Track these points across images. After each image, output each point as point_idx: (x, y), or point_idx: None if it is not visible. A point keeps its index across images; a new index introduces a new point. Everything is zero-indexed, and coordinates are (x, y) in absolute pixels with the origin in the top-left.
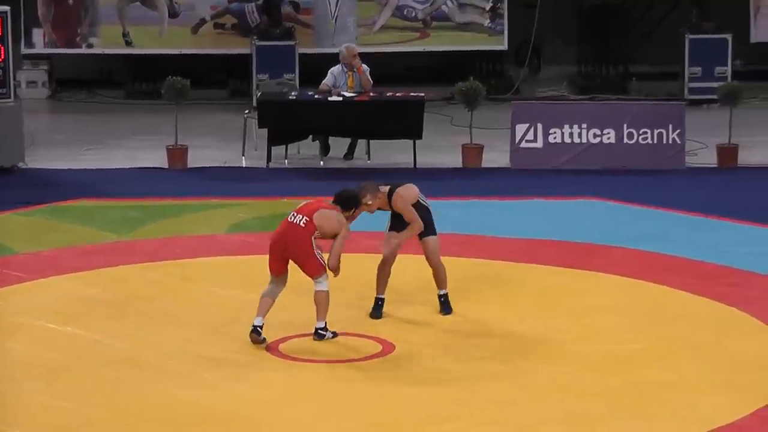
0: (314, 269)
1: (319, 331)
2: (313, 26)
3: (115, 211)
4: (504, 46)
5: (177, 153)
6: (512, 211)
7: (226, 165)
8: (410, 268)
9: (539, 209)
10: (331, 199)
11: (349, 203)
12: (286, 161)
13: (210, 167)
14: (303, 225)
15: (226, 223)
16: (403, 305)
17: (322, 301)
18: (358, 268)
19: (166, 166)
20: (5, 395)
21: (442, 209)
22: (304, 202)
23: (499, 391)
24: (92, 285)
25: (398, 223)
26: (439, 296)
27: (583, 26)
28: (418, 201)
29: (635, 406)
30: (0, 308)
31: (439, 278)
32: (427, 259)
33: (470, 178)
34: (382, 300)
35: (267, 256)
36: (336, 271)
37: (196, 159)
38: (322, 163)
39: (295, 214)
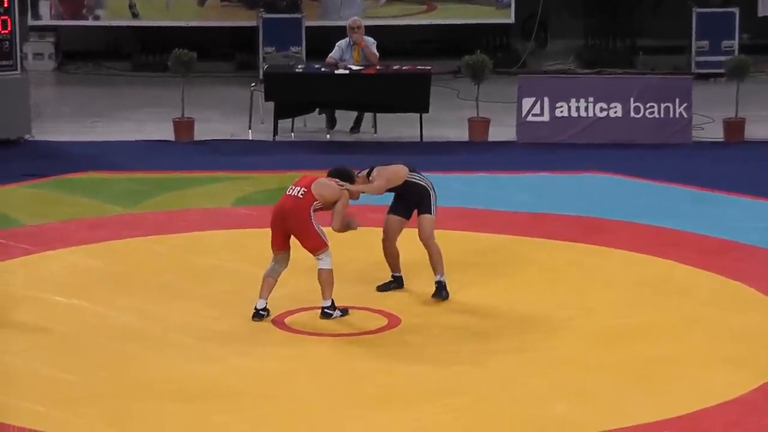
0: (315, 244)
1: (326, 311)
2: None
3: (121, 183)
4: (511, 19)
5: (183, 126)
6: (518, 185)
7: (233, 138)
8: (417, 243)
9: (545, 183)
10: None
11: (344, 175)
12: (292, 134)
13: (216, 140)
14: (301, 196)
15: (232, 196)
16: (409, 279)
17: (326, 280)
18: (362, 242)
19: (173, 139)
20: (12, 367)
21: (449, 183)
22: (301, 176)
23: (503, 366)
24: (98, 258)
25: (400, 204)
26: (435, 282)
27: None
28: (407, 180)
29: (640, 381)
30: (6, 280)
31: (433, 261)
32: (419, 237)
33: (476, 152)
34: (397, 277)
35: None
36: (343, 229)
37: (203, 132)
38: (328, 136)
39: (293, 186)
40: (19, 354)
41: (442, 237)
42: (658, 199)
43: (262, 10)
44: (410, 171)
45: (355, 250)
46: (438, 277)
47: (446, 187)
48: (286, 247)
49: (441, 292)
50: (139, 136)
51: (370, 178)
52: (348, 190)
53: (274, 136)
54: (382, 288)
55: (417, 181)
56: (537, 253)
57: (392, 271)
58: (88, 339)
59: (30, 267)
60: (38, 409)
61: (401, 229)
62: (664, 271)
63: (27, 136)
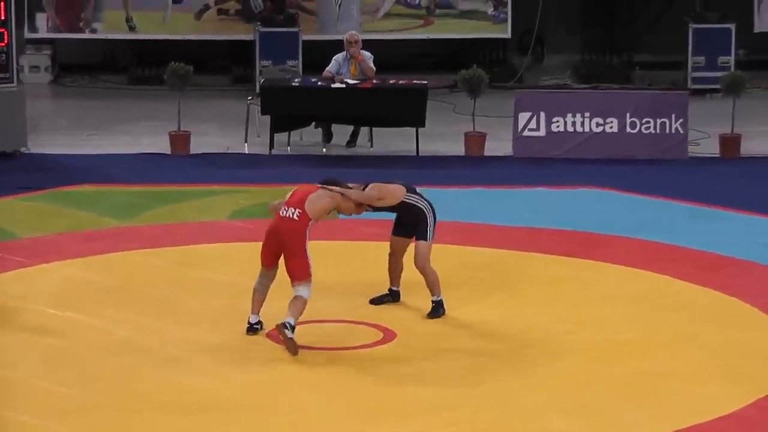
0: (300, 270)
1: (286, 323)
2: (316, 13)
3: (117, 196)
4: (507, 34)
5: (179, 139)
6: (514, 199)
7: (229, 151)
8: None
9: (541, 198)
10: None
11: (334, 184)
12: (288, 148)
13: (212, 153)
14: (297, 218)
15: (228, 209)
16: (407, 295)
17: (298, 304)
18: (360, 256)
19: (169, 152)
20: (7, 380)
21: (445, 197)
22: (290, 193)
23: (499, 380)
24: (94, 270)
25: (400, 226)
26: (433, 301)
27: (587, 15)
28: (404, 201)
29: (636, 395)
30: (1, 293)
31: (430, 285)
32: (415, 264)
33: (473, 167)
34: (393, 291)
35: None
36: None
37: (199, 145)
38: (324, 150)
39: (286, 207)
40: (14, 366)
41: (439, 251)
42: (654, 215)
43: (259, 23)
44: (408, 192)
45: (353, 264)
46: (435, 297)
47: (442, 201)
48: (275, 264)
49: (438, 310)
50: (135, 149)
51: (366, 189)
52: (340, 193)
53: (270, 149)
54: (376, 301)
55: (413, 202)
56: (533, 267)
57: (391, 284)
58: (83, 352)
59: (25, 280)
60: (33, 422)
61: (406, 247)
62: (661, 286)
63: (23, 149)
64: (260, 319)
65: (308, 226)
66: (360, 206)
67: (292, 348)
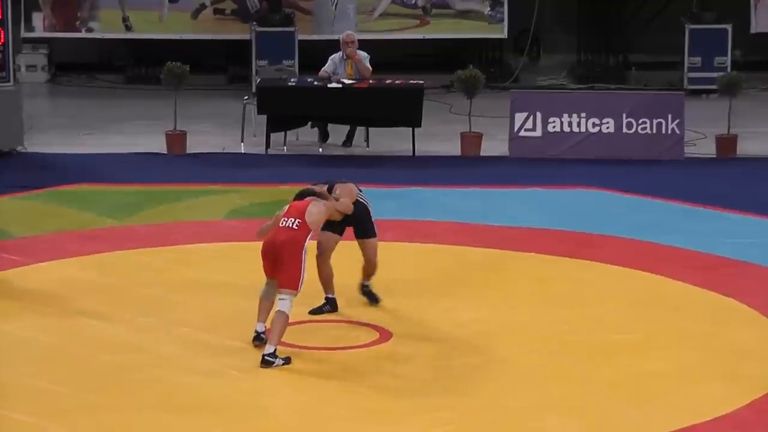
0: (290, 279)
1: (266, 357)
2: (313, 12)
3: (113, 196)
4: (504, 34)
5: (176, 138)
6: (510, 199)
7: (225, 151)
8: (409, 258)
9: (537, 198)
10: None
11: (316, 194)
12: (284, 148)
13: (209, 153)
14: (296, 228)
15: (224, 209)
16: (400, 294)
17: (281, 323)
18: (354, 256)
19: (165, 152)
20: (2, 379)
21: (440, 197)
22: (286, 207)
23: (494, 379)
24: (90, 270)
25: (335, 222)
26: (363, 286)
27: (583, 15)
28: (357, 200)
29: (631, 396)
30: None
31: (369, 271)
32: (366, 259)
33: (469, 167)
34: (331, 299)
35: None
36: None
37: (195, 144)
38: (320, 150)
39: (285, 218)
40: (10, 366)
41: (435, 251)
42: (650, 215)
43: (255, 23)
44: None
45: (348, 264)
46: (366, 282)
47: (438, 201)
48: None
49: (373, 294)
50: (132, 149)
51: (335, 194)
52: (331, 204)
53: (266, 149)
54: (315, 311)
55: (361, 200)
56: (529, 267)
57: (326, 292)
58: (78, 351)
59: (21, 279)
60: (29, 420)
61: (335, 245)
62: (656, 286)
63: (19, 148)
64: (267, 327)
65: (307, 238)
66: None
67: (287, 362)
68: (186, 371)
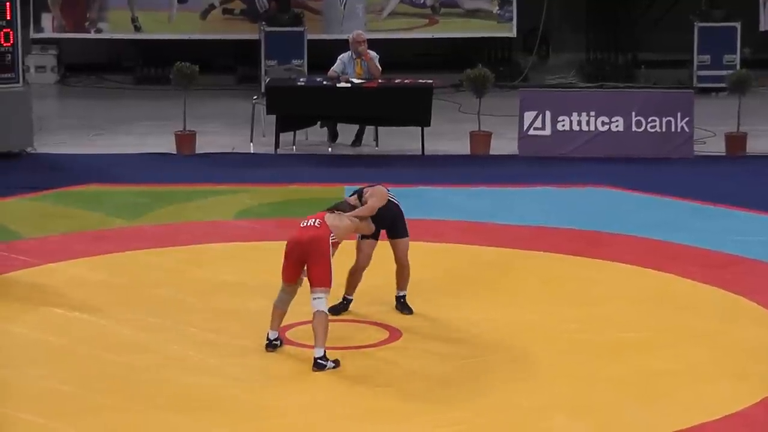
0: (322, 276)
1: (319, 361)
2: (322, 12)
3: (122, 196)
4: (513, 33)
5: (185, 139)
6: (520, 198)
7: (234, 151)
8: (418, 257)
9: (547, 197)
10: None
11: (345, 207)
12: (294, 148)
13: (218, 153)
14: (318, 225)
15: (233, 209)
16: (410, 293)
17: (321, 325)
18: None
19: (174, 152)
20: (11, 379)
21: (450, 196)
22: (309, 216)
23: (504, 379)
24: (99, 270)
25: (392, 229)
26: (398, 297)
27: (592, 14)
28: (389, 201)
29: (640, 394)
30: (7, 293)
31: (404, 279)
32: (399, 259)
33: (478, 166)
34: (349, 300)
35: (274, 242)
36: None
37: (204, 145)
38: (330, 149)
39: (306, 219)
40: (19, 366)
41: (444, 250)
42: (659, 213)
43: (264, 23)
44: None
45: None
46: (402, 293)
47: (447, 200)
48: (297, 280)
49: (407, 306)
50: (141, 149)
51: (363, 199)
52: (356, 216)
53: (275, 149)
54: (335, 310)
55: (393, 200)
56: (538, 266)
57: (346, 293)
58: (88, 351)
59: (31, 279)
60: (38, 420)
61: (373, 252)
62: (666, 284)
63: (29, 149)
64: (279, 336)
65: (330, 236)
66: (367, 220)
67: (337, 365)
68: (195, 371)
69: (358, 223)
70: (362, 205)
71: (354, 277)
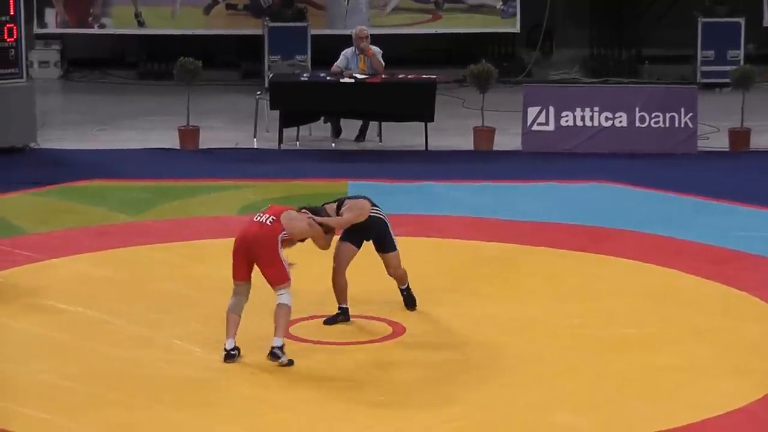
0: (278, 275)
1: (275, 351)
2: (325, 7)
3: (126, 191)
4: (516, 28)
5: (189, 134)
6: (523, 194)
7: (238, 146)
8: (421, 253)
9: (550, 193)
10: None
11: (314, 211)
12: (297, 143)
13: (221, 148)
14: (269, 224)
15: (237, 204)
16: (413, 289)
17: (282, 317)
18: (368, 251)
19: (178, 147)
20: (14, 374)
21: (453, 192)
22: (269, 205)
23: (506, 374)
24: (103, 265)
25: (354, 234)
26: (401, 290)
27: (596, 9)
28: (371, 214)
29: (643, 390)
30: (11, 288)
31: (399, 278)
32: (390, 274)
33: (482, 161)
34: (344, 309)
35: None
36: (328, 245)
37: (208, 140)
38: (333, 145)
39: (261, 214)
40: (22, 361)
41: (448, 246)
42: (663, 209)
43: (267, 18)
44: (372, 205)
45: (362, 259)
46: (404, 285)
47: (451, 196)
48: (248, 278)
49: (412, 296)
50: (144, 144)
51: (341, 211)
52: (318, 222)
53: (279, 144)
54: (329, 321)
55: (378, 215)
56: (541, 262)
57: (339, 302)
58: (91, 346)
59: (34, 275)
60: (41, 416)
61: (353, 258)
62: (669, 280)
63: (32, 144)
64: (236, 345)
65: (280, 234)
66: (330, 233)
67: (291, 364)
68: (198, 367)
69: (315, 231)
70: (338, 215)
71: (338, 284)
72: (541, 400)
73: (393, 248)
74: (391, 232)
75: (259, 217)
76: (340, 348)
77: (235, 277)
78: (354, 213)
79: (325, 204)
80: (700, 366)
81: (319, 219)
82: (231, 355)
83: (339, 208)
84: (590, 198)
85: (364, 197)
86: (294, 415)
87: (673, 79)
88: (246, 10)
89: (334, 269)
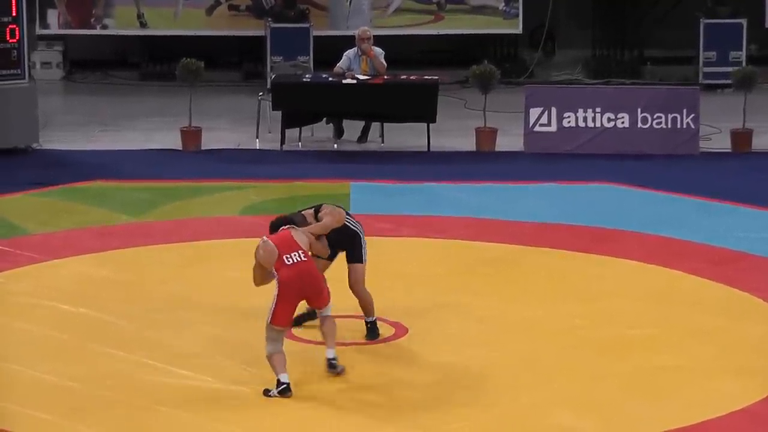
0: (327, 298)
1: (332, 362)
2: (327, 8)
3: (128, 192)
4: (518, 29)
5: (191, 135)
6: (525, 195)
7: (240, 147)
8: (424, 253)
9: (552, 193)
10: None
11: (296, 221)
12: (299, 144)
13: (224, 149)
14: (306, 259)
15: (239, 205)
16: (416, 289)
17: (331, 329)
18: (371, 251)
19: (180, 148)
20: (17, 375)
21: (455, 193)
22: (276, 240)
23: (509, 375)
24: (105, 266)
25: (331, 248)
26: (366, 323)
27: (598, 10)
28: (345, 225)
29: (646, 390)
30: (13, 289)
31: (365, 308)
32: (351, 287)
33: (484, 162)
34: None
35: None
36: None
37: (210, 141)
38: (335, 146)
39: (289, 255)
40: (25, 362)
41: (450, 246)
42: (665, 210)
43: (270, 19)
44: (347, 214)
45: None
46: (370, 319)
47: (453, 197)
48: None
49: (375, 330)
50: (147, 145)
51: (320, 215)
52: (312, 233)
53: (281, 145)
54: (297, 321)
55: (351, 225)
56: (543, 262)
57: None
58: (94, 347)
59: (37, 275)
60: (44, 417)
61: (325, 270)
62: (671, 281)
63: (35, 145)
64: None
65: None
66: (322, 239)
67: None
68: (201, 368)
69: (314, 241)
70: (317, 221)
71: None
72: (543, 400)
73: (360, 260)
74: (364, 245)
75: (290, 258)
76: (343, 349)
77: (284, 323)
78: (334, 217)
79: (300, 210)
80: (702, 367)
81: (310, 229)
82: (288, 388)
83: (317, 213)
84: (592, 199)
85: (340, 207)
86: (296, 415)
87: (676, 80)
88: (248, 11)
89: None
